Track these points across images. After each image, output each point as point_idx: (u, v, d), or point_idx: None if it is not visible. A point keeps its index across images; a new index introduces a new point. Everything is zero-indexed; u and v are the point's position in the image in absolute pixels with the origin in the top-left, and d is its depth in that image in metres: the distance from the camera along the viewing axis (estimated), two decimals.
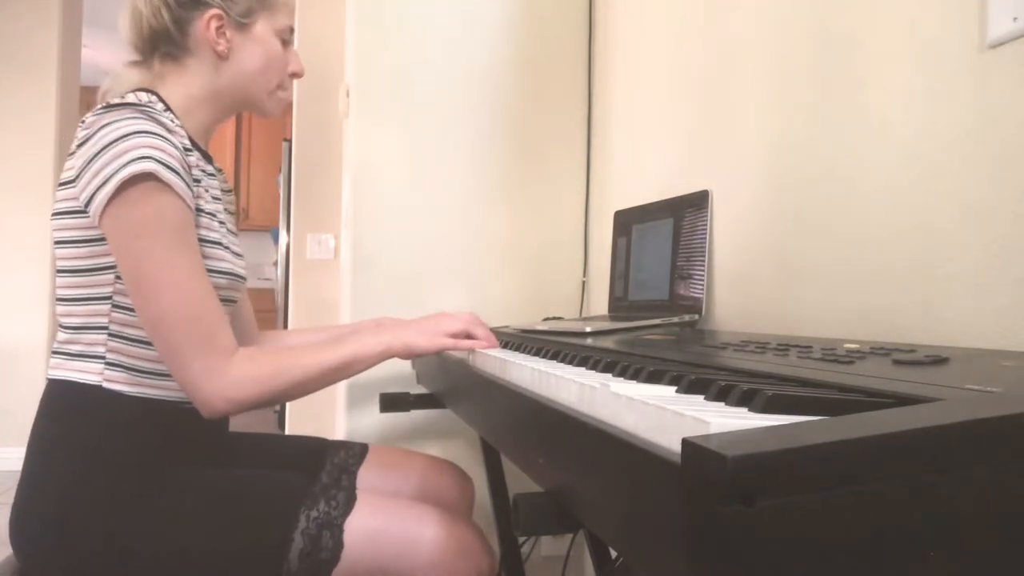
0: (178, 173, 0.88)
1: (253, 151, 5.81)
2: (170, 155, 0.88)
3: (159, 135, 0.88)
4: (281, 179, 3.76)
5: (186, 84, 1.01)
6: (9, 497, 2.88)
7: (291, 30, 1.08)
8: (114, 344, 0.92)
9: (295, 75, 1.10)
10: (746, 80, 1.15)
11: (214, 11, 0.99)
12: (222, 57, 1.01)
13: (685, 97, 1.34)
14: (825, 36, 0.98)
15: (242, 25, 1.02)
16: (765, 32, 1.10)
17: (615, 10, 1.64)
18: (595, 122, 1.73)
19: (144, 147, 0.85)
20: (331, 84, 2.54)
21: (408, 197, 1.60)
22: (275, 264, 4.24)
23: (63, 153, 3.64)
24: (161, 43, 1.01)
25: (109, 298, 0.92)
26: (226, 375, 0.88)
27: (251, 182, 5.80)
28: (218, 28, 1.00)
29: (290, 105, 2.77)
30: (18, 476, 0.92)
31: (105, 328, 0.92)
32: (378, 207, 1.58)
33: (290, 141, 3.15)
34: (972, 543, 0.35)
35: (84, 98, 4.15)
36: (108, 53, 5.35)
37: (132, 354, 0.93)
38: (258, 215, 5.75)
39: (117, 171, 0.84)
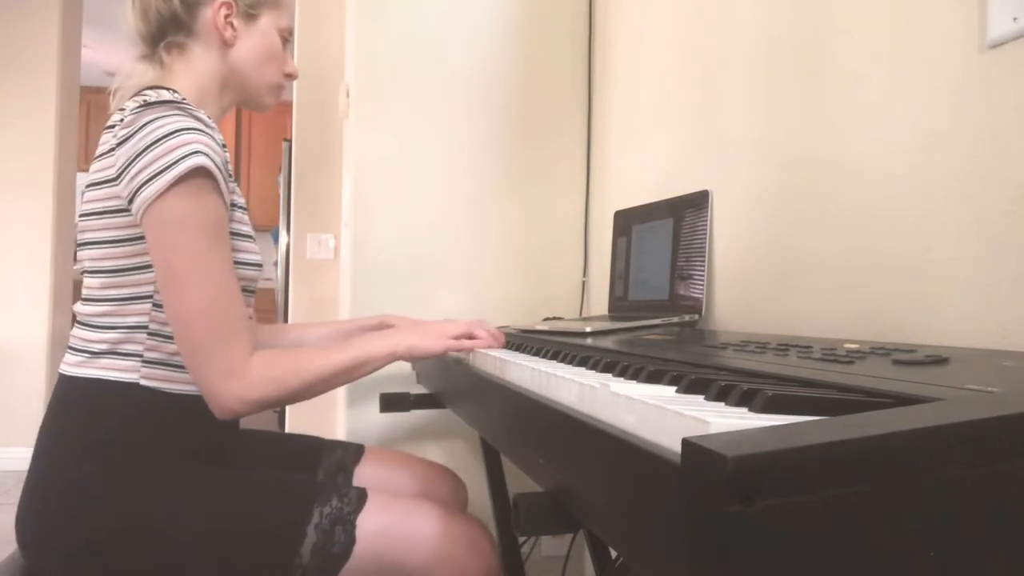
0: (221, 170, 0.90)
1: (253, 151, 5.80)
2: (215, 152, 0.89)
3: (204, 132, 0.89)
4: (281, 179, 3.76)
5: (194, 74, 1.03)
6: (10, 497, 2.87)
7: (290, 32, 1.11)
8: (153, 342, 0.93)
9: (290, 76, 1.13)
10: (746, 80, 1.15)
11: None
12: (228, 44, 1.04)
13: (685, 97, 1.33)
14: (825, 36, 0.98)
15: (249, 16, 1.05)
16: (764, 32, 1.10)
17: (615, 10, 1.64)
18: (595, 122, 1.73)
19: (195, 143, 0.87)
20: (331, 84, 2.54)
21: (408, 197, 1.60)
22: (275, 264, 4.24)
23: (63, 153, 3.63)
24: (168, 30, 1.02)
25: (150, 297, 0.93)
26: (244, 377, 0.89)
27: (251, 182, 5.80)
28: (227, 16, 1.03)
29: (290, 105, 2.77)
30: (18, 476, 0.93)
31: (144, 327, 0.93)
32: (378, 207, 1.58)
33: (290, 141, 3.15)
34: (972, 543, 0.35)
35: (84, 98, 4.15)
36: (108, 53, 5.35)
37: (171, 351, 0.94)
38: (258, 215, 5.74)
39: (170, 165, 0.85)
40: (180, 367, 0.94)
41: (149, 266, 0.91)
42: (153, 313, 0.93)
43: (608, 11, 1.67)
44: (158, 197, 0.86)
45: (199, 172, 0.87)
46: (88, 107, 5.43)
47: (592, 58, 1.74)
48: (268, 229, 4.50)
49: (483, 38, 1.65)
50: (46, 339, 3.53)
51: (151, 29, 1.02)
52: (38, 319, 3.54)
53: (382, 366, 1.02)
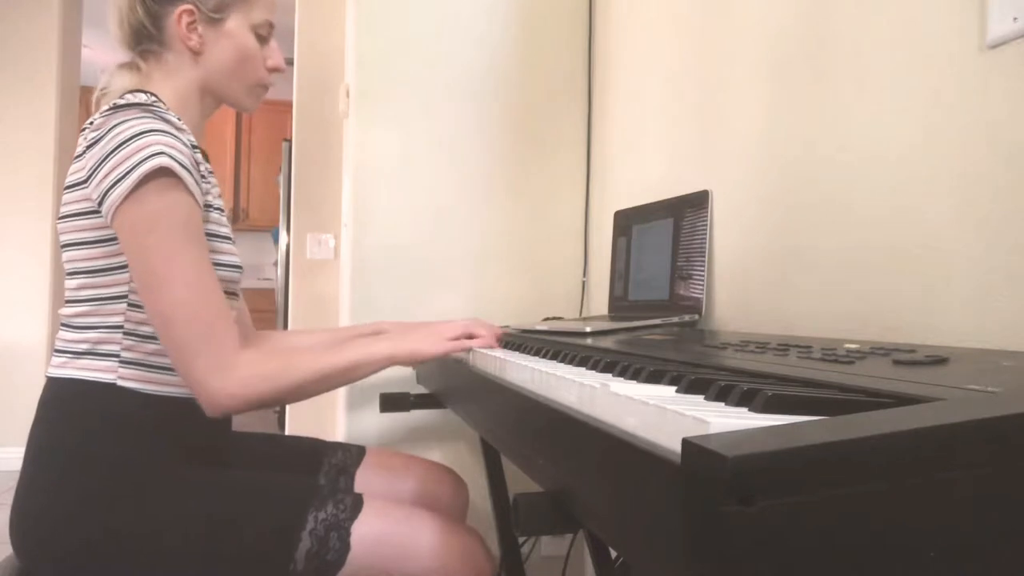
0: (188, 170, 0.90)
1: (253, 151, 5.80)
2: (181, 152, 0.89)
3: (170, 133, 0.89)
4: (281, 179, 3.76)
5: (172, 80, 1.02)
6: (9, 497, 2.86)
7: (270, 25, 1.07)
8: (129, 342, 0.93)
9: (275, 70, 1.09)
10: (746, 80, 1.15)
11: (185, 6, 1.00)
12: (195, 52, 1.02)
13: (685, 97, 1.33)
14: (825, 36, 0.98)
15: (214, 20, 1.02)
16: (765, 32, 1.10)
17: (615, 10, 1.64)
18: (595, 122, 1.73)
19: (157, 144, 0.87)
20: (331, 84, 2.54)
21: (408, 197, 1.60)
22: (275, 264, 4.24)
23: (63, 153, 3.63)
24: (142, 39, 1.02)
25: (125, 297, 0.92)
26: (232, 372, 0.88)
27: (251, 182, 5.79)
28: (189, 23, 1.00)
29: (290, 105, 2.77)
30: (16, 476, 0.92)
31: (120, 327, 0.92)
32: (378, 207, 1.58)
33: (290, 141, 3.15)
34: (972, 543, 0.35)
35: (84, 98, 4.15)
36: (108, 53, 5.34)
37: (146, 350, 0.93)
38: (258, 215, 5.74)
39: (133, 168, 0.85)
40: (158, 368, 0.94)
41: (124, 267, 0.91)
42: (128, 313, 0.92)
43: (608, 11, 1.67)
44: (124, 200, 0.86)
45: (162, 172, 0.86)
46: (88, 107, 5.42)
47: (592, 58, 1.74)
48: (268, 229, 4.50)
49: (483, 38, 1.65)
50: (45, 339, 3.53)
51: (126, 37, 1.03)
52: (37, 319, 3.54)
53: (378, 370, 1.02)
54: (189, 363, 0.87)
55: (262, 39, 1.07)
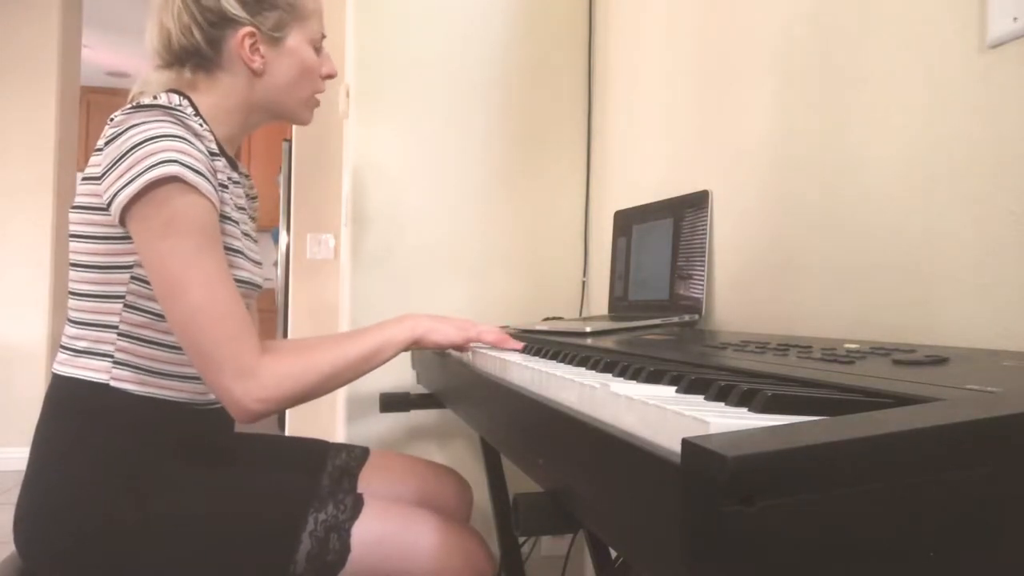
0: (204, 176, 0.88)
1: (253, 151, 5.80)
2: (195, 159, 0.87)
3: (186, 139, 0.87)
4: (281, 179, 3.76)
5: (217, 95, 1.00)
6: (10, 497, 2.88)
7: (323, 36, 1.07)
8: (123, 343, 0.92)
9: (328, 76, 1.09)
10: (746, 80, 1.15)
11: (247, 29, 0.98)
12: (257, 74, 1.00)
13: (685, 97, 1.33)
14: (825, 36, 0.98)
15: (275, 39, 1.01)
16: (765, 32, 1.10)
17: (615, 10, 1.64)
18: (595, 122, 1.73)
19: (170, 150, 0.85)
20: (331, 84, 2.54)
21: (408, 197, 1.60)
22: (275, 264, 4.24)
23: (63, 153, 3.64)
24: (190, 58, 0.99)
25: (122, 297, 0.91)
26: (257, 376, 0.86)
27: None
28: (252, 45, 0.99)
29: None
30: (18, 476, 0.93)
31: (115, 327, 0.92)
32: (378, 207, 1.58)
33: (290, 141, 3.15)
34: (972, 543, 0.35)
35: (84, 98, 4.15)
36: (108, 53, 5.35)
37: (142, 354, 0.93)
38: (258, 215, 5.72)
39: (142, 173, 0.84)
40: (154, 372, 0.93)
41: (125, 267, 0.91)
42: (124, 314, 0.92)
43: (608, 11, 1.67)
44: (130, 203, 0.85)
45: (171, 179, 0.84)
46: (88, 107, 5.43)
47: (592, 58, 1.74)
48: (268, 229, 4.50)
49: (483, 38, 1.65)
50: (46, 339, 3.53)
51: (172, 56, 1.00)
52: (38, 319, 3.54)
53: (401, 351, 1.00)
54: (213, 370, 0.86)
55: (318, 51, 1.06)
